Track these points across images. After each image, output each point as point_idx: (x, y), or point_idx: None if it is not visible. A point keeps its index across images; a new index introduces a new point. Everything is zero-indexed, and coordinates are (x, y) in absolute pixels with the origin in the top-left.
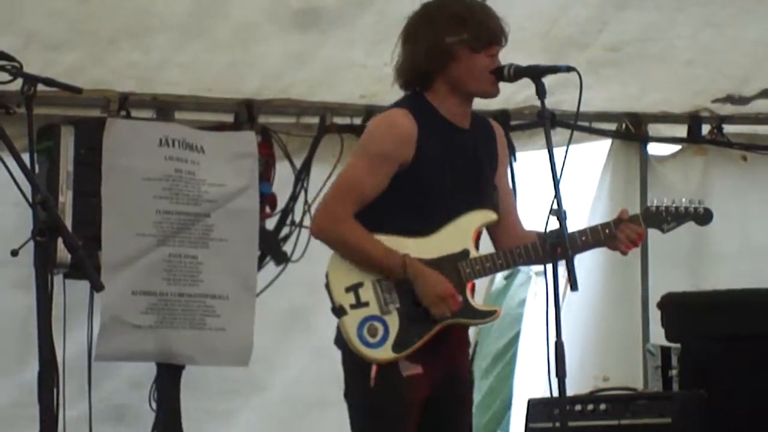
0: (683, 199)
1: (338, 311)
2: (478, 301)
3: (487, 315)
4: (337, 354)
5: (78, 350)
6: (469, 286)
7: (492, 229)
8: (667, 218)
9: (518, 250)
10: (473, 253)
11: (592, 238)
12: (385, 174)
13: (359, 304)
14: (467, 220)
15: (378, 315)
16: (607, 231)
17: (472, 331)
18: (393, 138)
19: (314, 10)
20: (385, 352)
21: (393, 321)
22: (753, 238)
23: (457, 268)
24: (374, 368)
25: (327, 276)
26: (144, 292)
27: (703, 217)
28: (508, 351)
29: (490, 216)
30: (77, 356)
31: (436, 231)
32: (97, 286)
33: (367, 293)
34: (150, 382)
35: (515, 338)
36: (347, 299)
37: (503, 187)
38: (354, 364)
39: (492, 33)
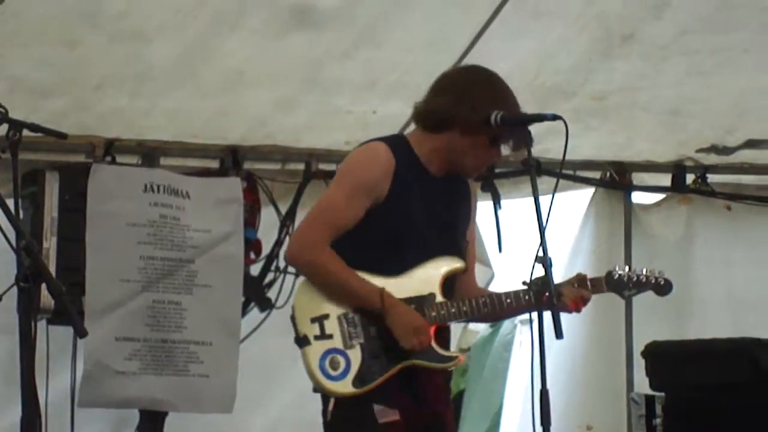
0: (645, 269)
1: (302, 341)
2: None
3: (448, 360)
4: (310, 400)
5: (61, 396)
6: (432, 330)
7: (455, 278)
8: (628, 285)
9: (483, 299)
10: (439, 298)
11: (515, 302)
12: (361, 205)
13: (323, 335)
14: (436, 264)
15: (341, 348)
16: (558, 290)
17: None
18: (371, 169)
19: (303, 58)
20: (344, 386)
21: (355, 356)
22: (737, 288)
23: (423, 311)
24: (332, 401)
25: (293, 307)
26: (127, 338)
27: (663, 288)
28: (497, 399)
29: (458, 264)
30: (60, 402)
31: (405, 272)
32: (80, 332)
33: (332, 326)
34: (132, 428)
35: (502, 387)
36: (312, 330)
37: (471, 244)
38: (323, 398)
39: (515, 138)
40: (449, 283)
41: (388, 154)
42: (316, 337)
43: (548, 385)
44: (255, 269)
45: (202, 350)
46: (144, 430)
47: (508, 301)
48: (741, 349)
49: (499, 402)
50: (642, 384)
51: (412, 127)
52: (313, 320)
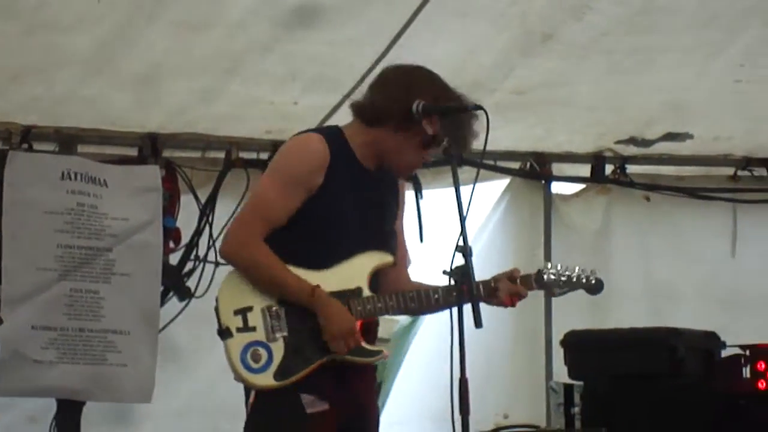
0: (576, 268)
1: (224, 333)
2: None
3: (372, 354)
4: (229, 389)
5: None
6: (358, 324)
7: (383, 273)
8: (559, 283)
9: (411, 294)
10: (366, 293)
11: (484, 291)
12: (296, 197)
13: (246, 328)
14: (364, 259)
15: (263, 341)
16: (492, 285)
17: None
18: (305, 161)
19: (222, 51)
20: (265, 379)
21: (278, 349)
22: (655, 277)
23: (349, 305)
24: (253, 394)
25: (217, 298)
26: (44, 327)
27: (595, 287)
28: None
29: (386, 258)
30: None
31: (332, 266)
32: None
33: (255, 318)
34: (49, 417)
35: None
36: (234, 322)
37: (400, 236)
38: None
39: (448, 139)
40: (377, 277)
41: (323, 145)
42: (239, 329)
43: (467, 374)
44: (174, 258)
45: (119, 339)
46: (61, 420)
47: (436, 296)
48: (658, 339)
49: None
50: (560, 373)
51: (335, 119)
52: (236, 312)
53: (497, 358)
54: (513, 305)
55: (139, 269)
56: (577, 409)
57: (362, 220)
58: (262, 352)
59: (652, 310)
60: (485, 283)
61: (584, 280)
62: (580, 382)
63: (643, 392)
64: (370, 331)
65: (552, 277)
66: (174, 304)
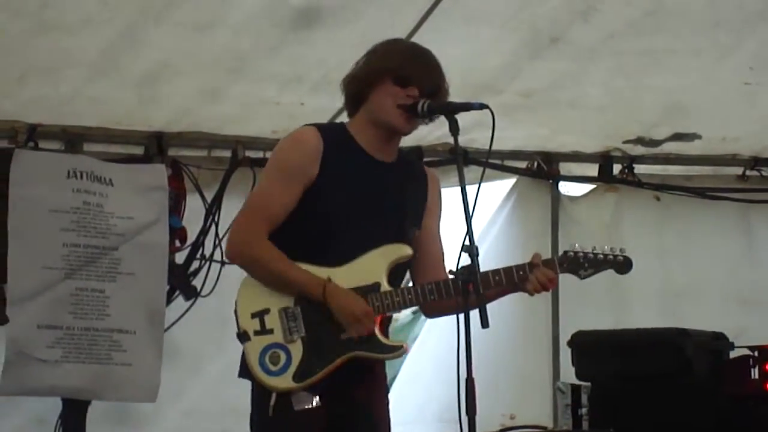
0: (606, 247)
1: (242, 337)
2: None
3: (392, 350)
4: (235, 389)
5: None
6: (377, 320)
7: (414, 269)
8: (584, 264)
9: (429, 286)
10: (384, 287)
11: (506, 278)
12: (293, 191)
13: (264, 330)
14: (382, 253)
15: (282, 343)
16: (521, 273)
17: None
18: (297, 152)
19: (228, 52)
20: (285, 381)
21: (296, 350)
22: (667, 277)
23: (368, 301)
24: (273, 396)
25: (236, 302)
26: (49, 326)
27: (623, 265)
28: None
29: (404, 250)
30: None
31: (348, 262)
32: (4, 319)
33: (272, 320)
34: (55, 417)
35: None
36: (252, 325)
37: (432, 235)
38: (257, 393)
39: (417, 73)
40: (397, 271)
41: (315, 136)
42: (256, 332)
43: (473, 374)
44: (180, 257)
45: (125, 339)
46: (66, 419)
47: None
48: (666, 339)
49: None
50: (568, 373)
51: (341, 120)
52: (253, 315)
53: (504, 359)
54: (532, 295)
55: (145, 268)
56: (584, 410)
57: (373, 211)
58: (281, 354)
59: (663, 310)
60: (520, 267)
61: (612, 258)
62: (588, 383)
63: (651, 393)
64: (386, 327)
65: (578, 257)
66: (180, 303)
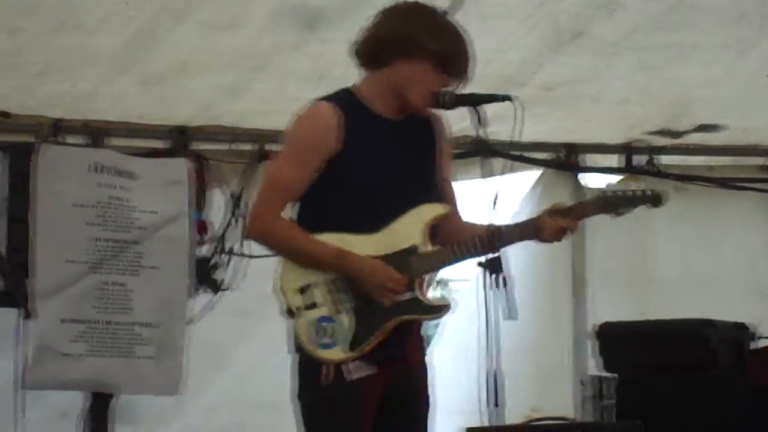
0: (632, 186)
1: (290, 313)
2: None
3: (438, 310)
4: (259, 383)
5: (5, 379)
6: (418, 282)
7: (440, 225)
8: (618, 203)
9: (465, 244)
10: (423, 249)
11: (526, 231)
12: (311, 166)
13: (311, 305)
14: (416, 214)
15: (330, 316)
16: (535, 225)
17: None
18: (314, 128)
19: (248, 50)
20: (339, 352)
21: (346, 320)
22: (690, 267)
23: (408, 263)
24: (325, 369)
25: (279, 279)
26: (73, 320)
27: (656, 198)
28: None
29: (439, 210)
30: (4, 386)
31: (383, 227)
32: (26, 314)
33: (319, 294)
34: (79, 411)
35: None
36: (299, 300)
37: (446, 179)
38: (307, 366)
39: (460, 66)
40: (434, 231)
41: (330, 110)
42: (304, 307)
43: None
44: (202, 251)
45: (148, 332)
46: (90, 413)
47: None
48: (692, 330)
49: None
50: (591, 365)
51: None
52: (299, 291)
53: (528, 350)
54: (559, 240)
55: (168, 262)
56: (608, 401)
57: (402, 173)
58: (331, 326)
59: (686, 300)
60: (526, 223)
61: (641, 194)
62: (611, 374)
63: (677, 384)
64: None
65: (611, 197)
66: (202, 297)
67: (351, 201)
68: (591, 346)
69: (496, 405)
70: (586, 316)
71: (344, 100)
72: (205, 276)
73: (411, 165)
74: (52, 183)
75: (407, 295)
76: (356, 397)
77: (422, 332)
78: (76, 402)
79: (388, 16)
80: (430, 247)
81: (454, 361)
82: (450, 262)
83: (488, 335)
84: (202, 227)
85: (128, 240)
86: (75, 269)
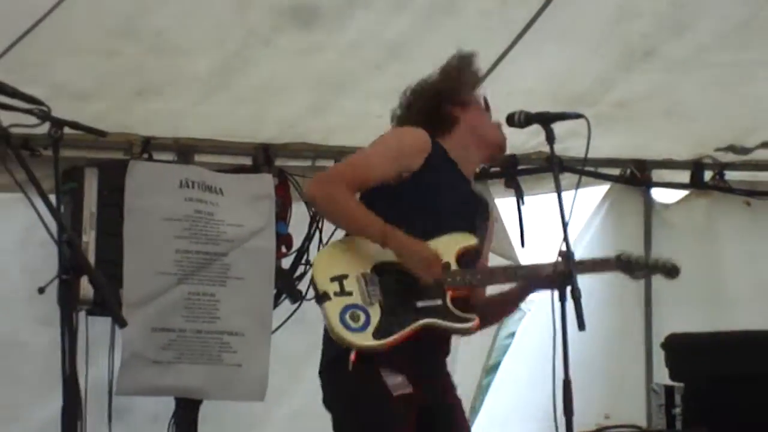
0: (658, 256)
1: (321, 297)
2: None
3: (464, 320)
4: None
5: (98, 385)
6: (449, 292)
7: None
8: (636, 267)
9: (493, 269)
10: (453, 266)
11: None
12: (392, 167)
13: (343, 292)
14: (452, 238)
15: (361, 304)
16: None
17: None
18: (415, 142)
19: (333, 71)
20: (365, 338)
21: (375, 312)
22: (758, 280)
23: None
24: (353, 354)
25: (313, 267)
26: (163, 328)
27: (672, 270)
28: (486, 378)
29: (471, 239)
30: (98, 391)
31: (427, 240)
32: (120, 323)
33: (351, 284)
34: (168, 416)
35: (494, 368)
36: (332, 287)
37: (485, 257)
38: (335, 351)
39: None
40: (463, 257)
41: (427, 136)
42: (336, 294)
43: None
44: (286, 262)
45: (234, 340)
46: (179, 418)
47: (522, 272)
48: (759, 340)
49: (487, 385)
50: (661, 375)
51: None
52: (333, 279)
53: (599, 360)
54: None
55: (253, 273)
56: (678, 410)
57: (455, 207)
58: (361, 313)
59: (755, 313)
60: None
61: (661, 264)
62: (681, 384)
63: (744, 393)
64: (464, 303)
65: (630, 262)
66: (283, 308)
67: (405, 216)
68: (662, 357)
69: (569, 414)
70: (659, 329)
71: (434, 141)
72: (291, 286)
73: (468, 212)
74: (143, 198)
75: (437, 301)
76: (395, 410)
77: (498, 341)
78: (166, 407)
79: (422, 89)
80: (457, 267)
81: (529, 369)
82: (479, 283)
83: (554, 344)
84: (286, 240)
85: (216, 252)
86: (165, 280)
